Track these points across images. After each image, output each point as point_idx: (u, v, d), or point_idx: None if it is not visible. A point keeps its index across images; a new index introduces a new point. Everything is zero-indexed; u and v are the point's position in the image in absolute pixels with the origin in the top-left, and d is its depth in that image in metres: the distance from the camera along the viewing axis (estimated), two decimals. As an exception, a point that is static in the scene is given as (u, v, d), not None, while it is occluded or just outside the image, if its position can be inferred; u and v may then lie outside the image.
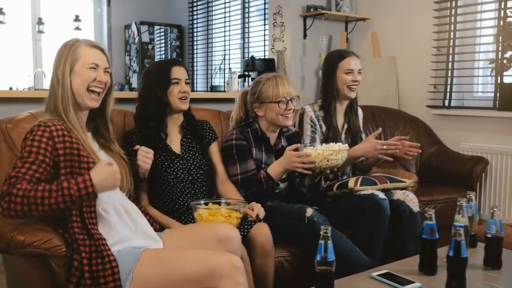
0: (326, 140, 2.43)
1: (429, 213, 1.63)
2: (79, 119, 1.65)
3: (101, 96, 1.67)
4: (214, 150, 2.23)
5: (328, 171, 2.17)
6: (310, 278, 1.45)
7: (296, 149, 2.11)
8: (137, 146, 1.82)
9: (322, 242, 1.39)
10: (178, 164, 2.06)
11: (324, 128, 2.49)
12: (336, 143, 2.17)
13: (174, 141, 2.12)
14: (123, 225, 1.63)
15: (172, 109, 2.09)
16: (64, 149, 1.54)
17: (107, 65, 1.68)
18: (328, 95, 2.51)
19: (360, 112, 2.67)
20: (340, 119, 2.57)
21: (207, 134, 2.22)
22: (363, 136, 2.64)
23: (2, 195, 1.42)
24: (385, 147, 2.32)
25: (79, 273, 1.49)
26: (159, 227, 1.86)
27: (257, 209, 1.99)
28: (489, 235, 1.74)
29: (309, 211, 2.03)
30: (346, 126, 2.58)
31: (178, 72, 2.08)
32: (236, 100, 2.49)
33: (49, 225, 1.59)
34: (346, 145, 2.17)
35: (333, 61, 2.52)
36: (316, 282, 1.41)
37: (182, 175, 2.06)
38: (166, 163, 2.03)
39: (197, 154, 2.14)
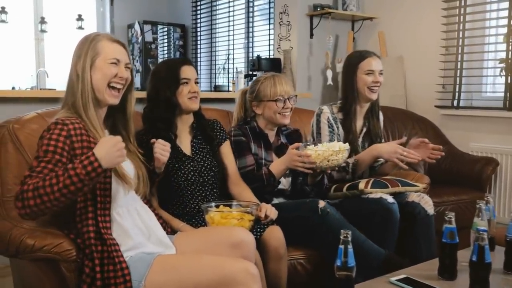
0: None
1: (449, 216, 1.59)
2: (98, 116, 1.60)
3: (121, 92, 1.62)
4: (226, 150, 2.18)
5: (329, 171, 2.18)
6: (325, 280, 1.40)
7: (297, 148, 2.12)
8: (153, 140, 1.78)
9: (342, 246, 1.35)
10: (189, 166, 2.02)
11: (341, 130, 2.43)
12: (352, 148, 2.21)
13: (184, 142, 2.07)
14: (136, 230, 1.58)
15: (182, 110, 2.04)
16: (81, 148, 1.49)
17: (128, 60, 1.63)
18: (348, 96, 2.45)
19: (381, 115, 2.60)
20: (359, 123, 2.50)
21: (217, 134, 2.17)
22: (382, 141, 2.56)
23: (16, 195, 1.38)
24: (405, 153, 2.24)
25: (90, 279, 1.45)
26: (170, 230, 1.81)
27: (267, 209, 1.94)
28: (509, 239, 1.69)
29: (322, 203, 2.03)
30: (365, 129, 2.51)
31: (188, 72, 2.03)
32: (236, 99, 2.49)
33: (59, 229, 1.55)
34: (347, 144, 2.14)
35: (353, 61, 2.46)
36: (336, 288, 1.36)
37: (193, 178, 2.01)
38: (176, 165, 1.99)
39: (208, 156, 2.09)
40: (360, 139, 2.49)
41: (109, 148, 1.39)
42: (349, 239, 1.34)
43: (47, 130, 1.49)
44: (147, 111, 2.06)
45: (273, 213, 1.95)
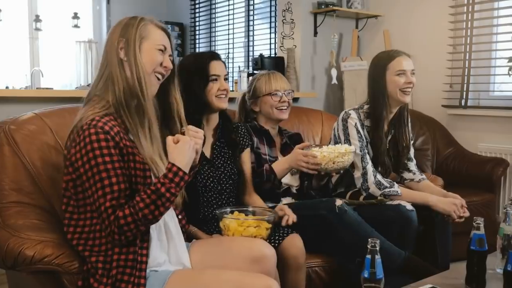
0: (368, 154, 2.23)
1: (477, 222, 1.50)
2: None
3: (159, 83, 1.48)
4: (246, 157, 2.07)
5: (334, 173, 2.10)
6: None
7: (304, 148, 2.08)
8: (184, 128, 1.59)
9: (369, 256, 1.25)
10: (208, 171, 1.90)
11: (368, 138, 2.24)
12: (380, 159, 2.12)
13: (206, 144, 1.94)
14: (159, 247, 1.45)
15: (210, 109, 1.93)
16: (127, 154, 1.35)
17: (171, 51, 1.49)
18: (377, 102, 2.21)
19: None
20: (385, 128, 2.28)
21: (241, 139, 2.06)
22: (412, 151, 2.38)
23: (112, 231, 1.28)
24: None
25: None
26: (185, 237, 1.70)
27: (288, 210, 1.88)
28: (538, 245, 1.60)
29: (339, 201, 1.97)
30: (389, 137, 2.31)
31: (217, 68, 1.92)
32: (236, 102, 2.45)
33: (60, 237, 1.43)
34: (353, 146, 2.06)
35: (381, 62, 2.24)
36: (363, 302, 1.26)
37: (211, 184, 1.90)
38: (196, 169, 1.87)
39: (228, 162, 1.98)
40: (387, 146, 2.29)
41: (186, 152, 1.36)
42: (377, 248, 1.24)
43: (88, 140, 1.29)
44: None
45: (291, 215, 1.87)
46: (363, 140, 2.21)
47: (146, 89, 1.39)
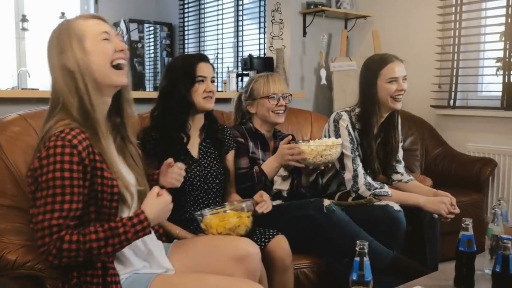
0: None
1: (466, 223, 1.49)
2: (103, 116, 1.35)
3: (125, 70, 1.37)
4: (230, 158, 2.09)
5: (323, 167, 2.08)
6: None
7: (289, 142, 2.08)
8: (170, 160, 1.61)
9: (358, 259, 1.23)
10: (195, 170, 1.92)
11: (359, 141, 2.23)
12: (370, 164, 2.12)
13: (193, 144, 1.97)
14: (133, 255, 1.41)
15: (195, 109, 1.94)
16: (91, 171, 1.27)
17: (115, 31, 1.40)
18: (368, 108, 2.20)
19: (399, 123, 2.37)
20: (377, 131, 2.28)
21: (226, 140, 2.08)
22: (400, 154, 2.38)
23: (49, 250, 1.20)
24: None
25: None
26: (165, 239, 1.67)
27: (266, 196, 1.88)
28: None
29: (327, 201, 1.97)
30: (379, 140, 2.31)
31: (204, 69, 1.93)
32: (232, 102, 2.44)
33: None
34: (340, 139, 2.07)
35: (373, 68, 2.21)
36: (351, 304, 1.25)
37: (198, 183, 1.91)
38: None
39: (215, 162, 1.99)
40: (376, 148, 2.28)
41: (160, 210, 1.32)
42: (366, 250, 1.23)
43: (53, 152, 1.22)
44: (160, 109, 1.95)
45: (269, 204, 1.87)
46: (354, 142, 2.20)
47: (95, 101, 1.30)
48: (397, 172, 2.36)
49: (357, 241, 1.24)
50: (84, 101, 1.28)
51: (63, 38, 1.31)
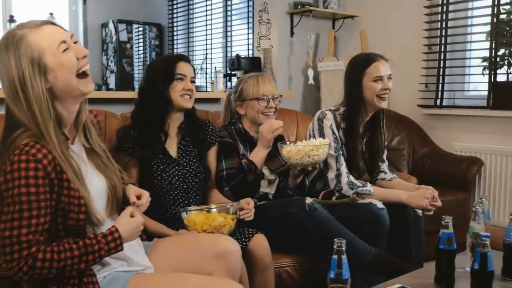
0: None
1: (446, 220, 1.49)
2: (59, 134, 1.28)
3: (90, 75, 1.30)
4: (212, 155, 2.08)
5: (310, 168, 2.07)
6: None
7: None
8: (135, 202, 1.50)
9: (335, 257, 1.23)
10: (174, 169, 1.91)
11: (343, 140, 2.23)
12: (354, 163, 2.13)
13: (171, 143, 1.96)
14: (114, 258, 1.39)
15: (173, 107, 1.93)
16: (58, 183, 1.23)
17: (70, 33, 1.29)
18: (353, 107, 2.20)
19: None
20: (363, 130, 2.27)
21: (208, 136, 2.06)
22: (384, 154, 2.38)
23: (20, 267, 1.17)
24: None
25: None
26: (146, 237, 1.67)
27: (252, 205, 1.88)
28: (508, 243, 1.60)
29: (309, 199, 1.97)
30: (365, 139, 2.30)
31: (184, 68, 1.93)
32: (222, 101, 2.41)
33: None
34: (327, 139, 2.06)
35: (358, 67, 2.21)
36: (330, 302, 1.25)
37: (177, 182, 1.90)
38: (161, 167, 1.88)
39: (194, 160, 1.98)
40: (363, 148, 2.29)
41: (133, 230, 1.32)
42: (343, 248, 1.23)
43: (16, 163, 1.17)
44: (138, 106, 1.94)
45: (251, 214, 1.87)
46: (338, 141, 2.20)
47: (50, 118, 1.22)
48: (380, 171, 2.37)
49: (335, 239, 1.24)
50: (41, 126, 1.22)
51: (22, 64, 1.20)
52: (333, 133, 2.20)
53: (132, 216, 1.34)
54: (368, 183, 2.20)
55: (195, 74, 2.01)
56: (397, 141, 3.48)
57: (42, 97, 1.21)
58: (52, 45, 1.22)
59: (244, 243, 1.75)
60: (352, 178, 2.18)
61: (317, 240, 1.90)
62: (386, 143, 2.41)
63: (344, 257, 1.23)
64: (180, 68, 1.92)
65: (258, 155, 2.12)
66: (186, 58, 1.98)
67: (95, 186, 1.34)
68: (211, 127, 2.08)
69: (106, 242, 1.26)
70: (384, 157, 2.39)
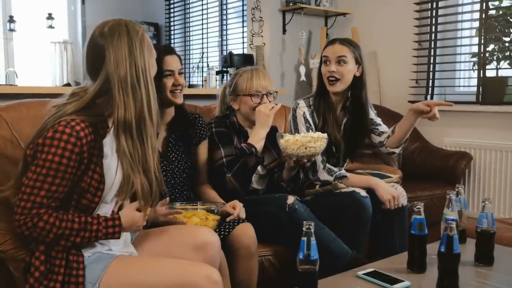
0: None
1: (418, 207, 1.54)
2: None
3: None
4: (202, 149, 2.07)
5: (306, 160, 2.04)
6: (294, 278, 1.34)
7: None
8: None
9: (304, 239, 1.28)
10: (162, 165, 1.88)
11: (319, 127, 2.24)
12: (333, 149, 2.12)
13: (160, 139, 1.93)
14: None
15: (164, 104, 1.90)
16: (87, 163, 1.35)
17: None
18: (318, 86, 2.28)
19: (371, 112, 2.35)
20: (340, 113, 2.29)
21: (198, 131, 2.05)
22: (378, 120, 2.35)
23: (25, 222, 1.28)
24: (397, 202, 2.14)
25: (34, 280, 1.33)
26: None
27: (239, 208, 1.86)
28: (480, 230, 1.65)
29: (291, 199, 1.96)
30: (344, 120, 2.30)
31: (171, 62, 1.88)
32: (217, 95, 2.38)
33: (9, 226, 1.43)
34: (325, 134, 2.04)
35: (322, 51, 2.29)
36: (299, 282, 1.29)
37: (165, 178, 1.89)
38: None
39: (182, 156, 1.97)
40: (342, 132, 2.29)
41: (133, 224, 1.41)
42: (312, 230, 1.28)
43: (59, 133, 1.29)
44: None
45: (242, 212, 1.87)
46: (312, 129, 2.21)
47: (154, 111, 1.41)
48: (381, 134, 2.34)
49: (304, 222, 1.28)
50: (144, 106, 1.37)
51: (135, 42, 1.38)
52: (306, 121, 2.22)
53: (138, 210, 1.42)
54: (342, 168, 2.23)
55: (181, 63, 1.96)
56: (388, 136, 3.51)
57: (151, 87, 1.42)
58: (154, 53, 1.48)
59: (227, 231, 1.76)
60: (328, 165, 2.21)
61: (297, 239, 1.90)
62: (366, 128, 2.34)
63: (313, 239, 1.27)
64: (167, 64, 1.87)
65: (257, 135, 2.07)
66: (172, 50, 1.94)
67: (117, 176, 1.41)
68: (200, 122, 2.07)
69: (106, 226, 1.34)
70: (378, 121, 2.37)
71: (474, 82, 3.46)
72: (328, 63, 2.20)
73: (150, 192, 1.42)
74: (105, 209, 1.44)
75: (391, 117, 3.59)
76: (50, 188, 1.28)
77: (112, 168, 1.39)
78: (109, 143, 1.39)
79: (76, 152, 1.29)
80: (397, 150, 2.32)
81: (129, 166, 1.37)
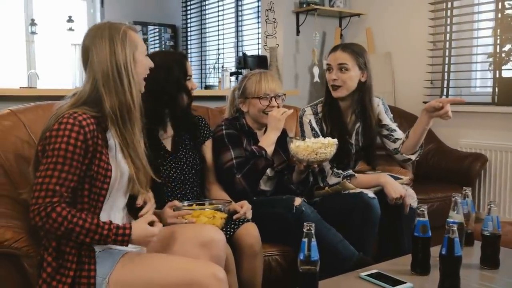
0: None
1: (421, 209, 1.55)
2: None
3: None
4: (207, 148, 2.13)
5: (316, 165, 2.06)
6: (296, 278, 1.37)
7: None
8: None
9: (305, 240, 1.31)
10: (171, 162, 1.97)
11: (327, 133, 2.24)
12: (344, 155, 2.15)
13: (167, 138, 2.02)
14: None
15: (183, 105, 1.99)
16: (92, 152, 1.43)
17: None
18: (326, 92, 2.28)
19: (379, 106, 2.34)
20: (352, 118, 2.30)
21: (202, 131, 2.12)
22: (394, 125, 2.35)
23: (39, 211, 1.33)
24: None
25: (47, 274, 1.39)
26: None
27: (246, 207, 1.91)
28: (485, 233, 1.65)
29: (298, 201, 1.98)
30: (357, 126, 2.30)
31: (190, 67, 2.00)
32: (227, 97, 2.42)
33: (25, 224, 1.50)
34: (335, 139, 2.05)
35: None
36: (299, 283, 1.32)
37: (174, 175, 1.97)
38: (158, 161, 1.93)
39: (190, 153, 2.04)
40: (353, 136, 2.31)
41: (143, 238, 1.43)
42: (313, 232, 1.30)
43: (64, 124, 1.38)
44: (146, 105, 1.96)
45: (249, 212, 1.92)
46: (318, 136, 2.21)
47: (137, 102, 1.48)
48: (396, 140, 2.32)
49: (304, 223, 1.31)
50: (125, 100, 1.45)
51: (119, 38, 1.47)
52: (312, 129, 2.24)
53: (151, 224, 1.47)
54: (350, 169, 2.25)
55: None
56: (402, 137, 3.49)
57: (135, 78, 1.49)
58: (142, 47, 1.53)
59: (232, 230, 1.80)
60: (336, 169, 2.22)
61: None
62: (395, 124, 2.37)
63: (313, 239, 1.30)
64: (189, 68, 1.99)
65: (268, 139, 2.10)
66: (187, 56, 2.06)
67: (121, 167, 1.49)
68: (203, 122, 2.15)
69: (116, 234, 1.39)
70: (394, 127, 2.36)
71: (490, 82, 3.42)
72: (331, 70, 2.22)
73: (137, 178, 1.49)
74: (118, 202, 1.52)
75: (405, 118, 3.57)
76: (60, 175, 1.35)
77: (119, 160, 1.48)
78: (113, 136, 1.48)
79: (80, 139, 1.37)
80: (413, 157, 2.30)
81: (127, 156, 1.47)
